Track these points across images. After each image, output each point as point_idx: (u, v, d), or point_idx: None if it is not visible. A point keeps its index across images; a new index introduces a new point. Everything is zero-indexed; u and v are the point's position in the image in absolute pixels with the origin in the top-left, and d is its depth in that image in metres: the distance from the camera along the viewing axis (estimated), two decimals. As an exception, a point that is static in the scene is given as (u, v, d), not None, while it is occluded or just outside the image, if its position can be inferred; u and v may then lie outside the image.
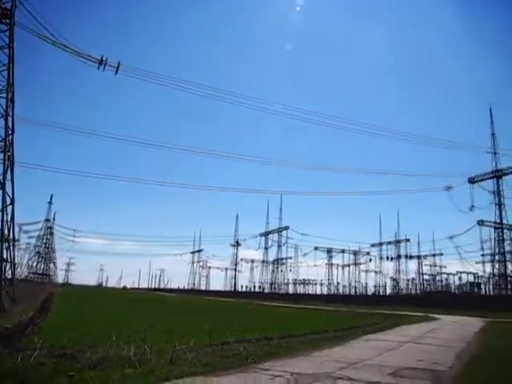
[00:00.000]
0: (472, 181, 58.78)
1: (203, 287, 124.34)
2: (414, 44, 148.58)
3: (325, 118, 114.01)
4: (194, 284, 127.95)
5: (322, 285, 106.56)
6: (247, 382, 6.56)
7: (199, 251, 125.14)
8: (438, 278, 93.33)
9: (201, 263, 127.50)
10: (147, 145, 65.73)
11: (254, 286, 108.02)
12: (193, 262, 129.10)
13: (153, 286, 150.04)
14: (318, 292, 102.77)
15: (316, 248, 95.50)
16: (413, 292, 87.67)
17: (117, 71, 30.74)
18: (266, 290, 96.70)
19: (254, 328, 13.13)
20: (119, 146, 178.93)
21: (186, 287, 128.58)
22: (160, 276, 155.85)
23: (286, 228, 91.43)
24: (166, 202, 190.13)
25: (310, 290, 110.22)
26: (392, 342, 12.61)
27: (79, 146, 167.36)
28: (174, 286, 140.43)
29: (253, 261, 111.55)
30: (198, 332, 11.26)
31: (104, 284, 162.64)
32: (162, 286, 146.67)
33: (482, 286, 77.47)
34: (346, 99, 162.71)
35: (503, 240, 57.31)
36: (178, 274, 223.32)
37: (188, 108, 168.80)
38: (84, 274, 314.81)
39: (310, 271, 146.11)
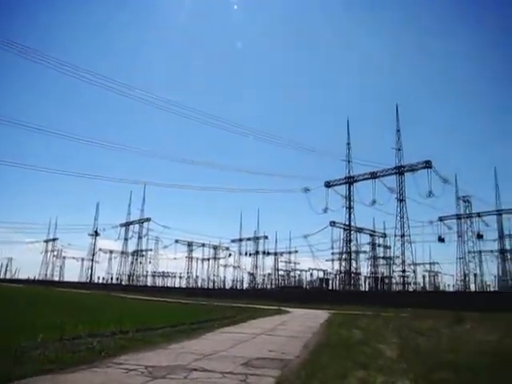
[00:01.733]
0: (328, 185, 63.49)
1: (57, 278, 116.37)
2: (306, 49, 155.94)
3: (193, 111, 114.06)
4: (46, 275, 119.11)
5: (181, 278, 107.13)
6: (99, 377, 6.34)
7: (54, 240, 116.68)
8: (292, 273, 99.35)
9: (55, 252, 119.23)
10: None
11: (112, 278, 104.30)
12: (46, 251, 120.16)
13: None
14: (177, 285, 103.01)
15: (177, 241, 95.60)
16: (268, 287, 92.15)
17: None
18: (123, 282, 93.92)
19: (109, 321, 12.67)
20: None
21: (37, 278, 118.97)
22: (7, 265, 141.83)
23: (148, 219, 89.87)
24: (19, 186, 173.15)
25: (169, 282, 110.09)
26: (246, 334, 13.14)
27: None
28: (23, 276, 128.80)
29: (111, 251, 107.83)
30: (48, 326, 10.56)
31: None
32: (8, 277, 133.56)
33: (330, 282, 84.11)
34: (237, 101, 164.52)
35: (350, 240, 63.06)
36: (28, 264, 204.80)
37: (69, 93, 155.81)
38: None
39: (170, 264, 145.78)
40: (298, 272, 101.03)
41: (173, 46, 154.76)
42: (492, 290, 68.53)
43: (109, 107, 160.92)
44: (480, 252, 69.07)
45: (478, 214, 66.80)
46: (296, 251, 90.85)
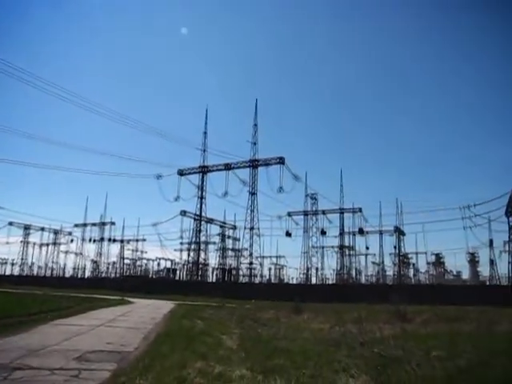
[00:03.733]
0: (181, 173, 63.20)
1: None
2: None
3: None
4: None
5: (13, 265, 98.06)
6: None
7: None
8: (138, 262, 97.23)
9: None
10: None
11: None
12: None
13: None
14: (9, 272, 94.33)
15: (11, 223, 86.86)
16: (113, 275, 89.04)
17: None
18: None
19: None
20: None
21: None
22: None
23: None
24: None
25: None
26: (84, 326, 12.52)
27: None
28: None
29: None
30: None
31: None
32: None
33: (178, 272, 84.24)
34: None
35: (200, 231, 63.71)
36: None
37: None
38: None
39: (2, 249, 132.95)
40: (145, 261, 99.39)
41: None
42: (330, 282, 74.97)
43: None
44: (322, 247, 75.17)
45: (323, 212, 72.29)
46: (144, 239, 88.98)
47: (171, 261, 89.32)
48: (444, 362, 7.99)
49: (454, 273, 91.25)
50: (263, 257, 73.60)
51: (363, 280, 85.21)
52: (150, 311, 21.39)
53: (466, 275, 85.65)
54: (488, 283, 66.80)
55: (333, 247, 78.23)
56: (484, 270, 78.69)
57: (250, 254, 58.36)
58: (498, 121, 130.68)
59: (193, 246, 64.78)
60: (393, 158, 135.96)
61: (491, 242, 67.73)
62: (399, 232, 71.91)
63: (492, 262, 68.03)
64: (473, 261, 79.02)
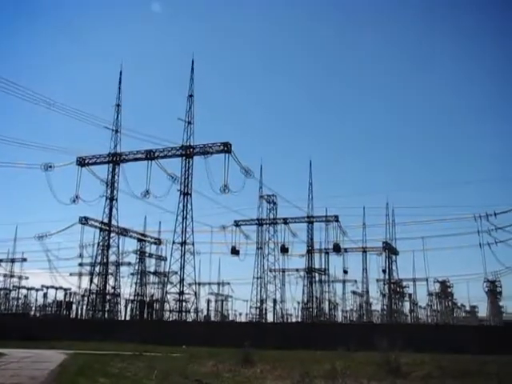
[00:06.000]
0: (82, 162, 61.83)
1: None
2: None
3: None
4: None
5: None
6: None
7: None
8: (14, 293, 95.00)
9: None
10: None
11: None
12: None
13: None
14: None
15: None
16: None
17: None
18: None
19: None
20: None
21: None
22: None
23: None
24: None
25: None
26: None
27: None
28: None
29: None
30: None
31: None
32: None
33: (75, 307, 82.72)
34: None
35: (108, 246, 62.56)
36: None
37: None
38: None
39: None
40: (25, 291, 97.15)
41: None
42: (294, 320, 75.03)
43: None
44: (283, 271, 74.75)
45: (285, 221, 71.74)
46: (24, 259, 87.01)
47: (65, 290, 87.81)
48: None
49: (467, 308, 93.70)
50: (199, 284, 73.44)
51: (340, 317, 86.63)
52: (30, 366, 20.67)
53: (483, 311, 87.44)
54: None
55: (297, 270, 78.60)
56: (509, 305, 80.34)
57: (181, 280, 57.78)
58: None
59: (97, 269, 63.78)
60: (381, 145, 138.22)
61: (519, 265, 68.65)
62: (390, 250, 72.35)
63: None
64: (493, 292, 79.52)
